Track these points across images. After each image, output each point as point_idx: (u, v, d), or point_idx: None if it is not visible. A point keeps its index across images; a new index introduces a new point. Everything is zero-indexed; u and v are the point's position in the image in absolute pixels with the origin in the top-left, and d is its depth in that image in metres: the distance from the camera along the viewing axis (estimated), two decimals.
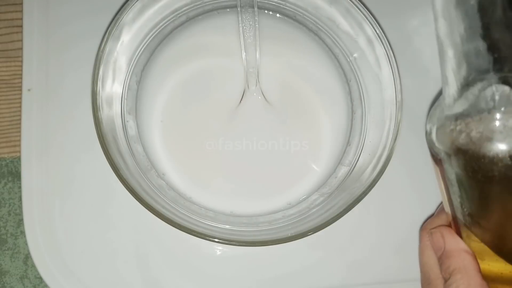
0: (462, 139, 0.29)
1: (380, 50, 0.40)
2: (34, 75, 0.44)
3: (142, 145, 0.42)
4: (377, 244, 0.44)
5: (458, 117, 0.30)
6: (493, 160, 0.28)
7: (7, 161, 0.45)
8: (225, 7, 0.44)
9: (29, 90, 0.44)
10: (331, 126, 0.44)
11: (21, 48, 0.45)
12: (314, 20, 0.44)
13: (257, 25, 0.41)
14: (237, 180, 0.43)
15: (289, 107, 0.44)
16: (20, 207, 0.43)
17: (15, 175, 0.45)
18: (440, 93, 0.36)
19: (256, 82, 0.43)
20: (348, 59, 0.44)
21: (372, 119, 0.42)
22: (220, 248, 0.43)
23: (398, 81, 0.39)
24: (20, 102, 0.44)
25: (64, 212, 0.43)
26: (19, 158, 0.44)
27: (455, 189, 0.31)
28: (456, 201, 0.32)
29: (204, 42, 0.44)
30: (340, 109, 0.44)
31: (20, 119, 0.44)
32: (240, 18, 0.41)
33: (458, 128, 0.30)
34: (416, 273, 0.40)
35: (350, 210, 0.37)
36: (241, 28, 0.41)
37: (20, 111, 0.44)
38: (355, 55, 0.43)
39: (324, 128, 0.44)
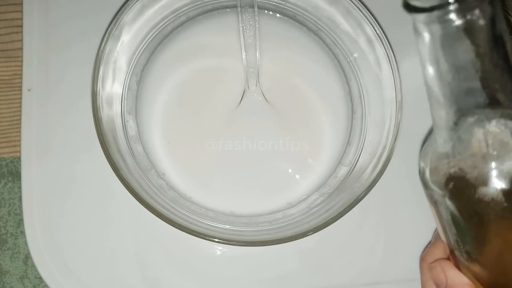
0: (456, 183, 0.29)
1: (380, 50, 0.40)
2: (34, 75, 0.44)
3: (142, 145, 0.42)
4: (377, 244, 0.44)
5: (451, 160, 0.29)
6: (489, 205, 0.27)
7: (7, 161, 0.45)
8: (225, 7, 0.45)
9: (29, 90, 0.44)
10: (331, 126, 0.44)
11: (21, 48, 0.45)
12: (314, 20, 0.44)
13: (257, 25, 0.41)
14: (237, 180, 0.43)
15: (289, 107, 0.44)
16: (20, 207, 0.43)
17: (15, 175, 0.45)
18: None
19: (256, 82, 0.43)
20: (348, 59, 0.44)
21: (372, 119, 0.42)
22: (220, 248, 0.43)
23: (398, 81, 0.39)
24: (20, 102, 0.44)
25: (64, 212, 0.43)
26: (19, 158, 0.44)
27: (451, 228, 0.31)
28: (453, 239, 0.31)
29: (204, 42, 0.45)
30: (340, 109, 0.44)
31: (20, 119, 0.44)
32: (240, 18, 0.41)
33: (452, 171, 0.29)
34: (416, 273, 0.39)
35: (350, 210, 0.37)
36: (241, 28, 0.41)
37: (20, 111, 0.44)
38: (355, 55, 0.43)
39: (324, 128, 0.44)
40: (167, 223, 0.35)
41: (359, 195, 0.37)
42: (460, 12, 0.23)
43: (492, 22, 0.24)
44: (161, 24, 0.42)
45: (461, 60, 0.25)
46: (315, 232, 0.36)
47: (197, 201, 0.42)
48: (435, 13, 0.24)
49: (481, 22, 0.24)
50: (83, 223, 0.43)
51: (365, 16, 0.40)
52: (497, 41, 0.24)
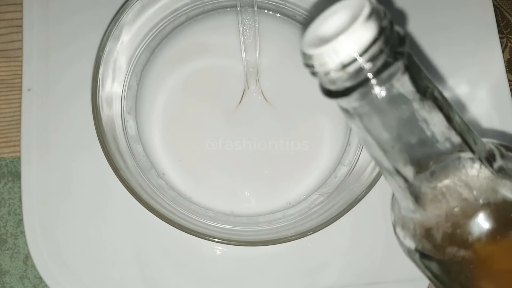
0: (426, 246, 0.28)
1: None
2: (34, 75, 0.44)
3: (142, 145, 0.42)
4: (377, 244, 0.44)
5: (416, 222, 0.28)
6: (462, 265, 0.26)
7: (7, 161, 0.45)
8: (225, 7, 0.45)
9: (29, 90, 0.44)
10: (331, 125, 0.44)
11: (21, 48, 0.45)
12: (313, 19, 0.44)
13: (257, 25, 0.41)
14: (237, 180, 0.43)
15: (289, 107, 0.44)
16: (20, 207, 0.43)
17: (15, 175, 0.45)
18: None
19: (256, 82, 0.43)
20: None
21: None
22: (220, 248, 0.43)
23: None
24: (20, 102, 0.44)
25: (64, 212, 0.43)
26: (19, 158, 0.44)
27: (434, 282, 0.30)
28: None
29: (204, 42, 0.45)
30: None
31: (20, 119, 0.44)
32: (239, 18, 0.41)
33: (418, 232, 0.28)
34: (416, 273, 0.39)
35: (350, 210, 0.37)
36: (241, 28, 0.41)
37: (20, 111, 0.44)
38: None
39: (324, 128, 0.44)
40: (167, 223, 0.35)
41: (359, 195, 0.37)
42: (378, 85, 0.22)
43: (413, 81, 0.23)
44: (161, 24, 0.43)
45: (394, 126, 0.24)
46: (315, 232, 0.36)
47: (197, 201, 0.42)
48: (354, 95, 0.23)
49: (401, 87, 0.23)
50: (83, 223, 0.43)
51: None
52: (424, 94, 0.23)
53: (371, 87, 0.22)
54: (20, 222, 0.44)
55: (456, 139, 0.25)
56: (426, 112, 0.24)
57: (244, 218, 0.42)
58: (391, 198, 0.32)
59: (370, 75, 0.22)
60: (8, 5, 0.46)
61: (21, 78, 0.44)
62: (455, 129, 0.24)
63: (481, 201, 0.25)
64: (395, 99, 0.23)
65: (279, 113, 0.44)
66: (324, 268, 0.44)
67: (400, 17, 0.48)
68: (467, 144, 0.25)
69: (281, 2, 0.44)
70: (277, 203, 0.43)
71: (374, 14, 0.21)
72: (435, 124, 0.24)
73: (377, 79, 0.22)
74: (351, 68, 0.22)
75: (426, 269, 0.29)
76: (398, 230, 0.31)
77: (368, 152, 0.27)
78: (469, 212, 0.25)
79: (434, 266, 0.28)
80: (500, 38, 0.49)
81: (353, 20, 0.21)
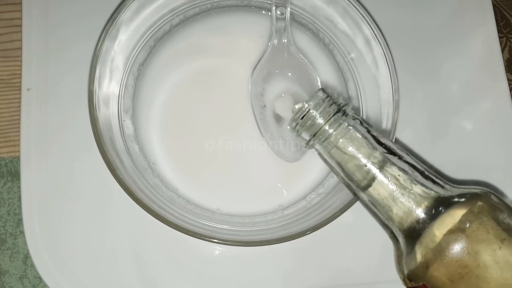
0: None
1: (377, 50, 0.40)
2: (33, 74, 0.44)
3: (139, 144, 0.42)
4: (375, 244, 0.44)
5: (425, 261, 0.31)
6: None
7: (6, 160, 0.45)
8: (223, 7, 0.45)
9: (28, 89, 0.44)
10: None
11: (20, 48, 0.45)
12: (312, 19, 0.44)
13: None
14: (237, 179, 0.43)
15: (288, 107, 0.44)
16: (20, 207, 0.43)
17: (15, 174, 0.45)
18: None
19: (285, 37, 0.43)
20: (346, 59, 0.44)
21: (369, 119, 0.42)
22: (218, 248, 0.43)
23: (395, 81, 0.39)
24: (19, 102, 0.44)
25: (63, 211, 0.43)
26: (18, 158, 0.44)
27: None
28: None
29: (201, 41, 0.45)
30: None
31: (19, 119, 0.44)
32: None
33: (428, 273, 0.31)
34: None
35: (347, 209, 0.37)
36: None
37: (19, 110, 0.44)
38: (352, 55, 0.43)
39: None
40: (164, 223, 0.35)
41: None
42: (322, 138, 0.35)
43: (356, 129, 0.34)
44: (158, 23, 0.43)
45: (342, 163, 0.34)
46: (312, 232, 0.36)
47: (195, 201, 0.42)
48: (315, 142, 0.35)
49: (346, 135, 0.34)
50: (82, 223, 0.43)
51: (363, 16, 0.40)
52: (372, 137, 0.34)
53: (324, 132, 0.35)
54: (19, 222, 0.44)
55: (408, 184, 0.32)
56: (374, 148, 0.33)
57: (242, 218, 0.42)
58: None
59: (321, 121, 0.35)
60: (7, 4, 0.46)
61: (20, 78, 0.44)
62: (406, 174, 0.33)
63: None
64: (339, 138, 0.34)
65: (278, 113, 0.44)
66: (322, 268, 0.44)
67: (400, 17, 0.48)
68: (422, 187, 0.32)
69: (281, 2, 0.44)
70: (275, 203, 0.43)
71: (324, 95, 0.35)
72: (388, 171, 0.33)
73: (327, 127, 0.34)
74: (312, 122, 0.35)
75: None
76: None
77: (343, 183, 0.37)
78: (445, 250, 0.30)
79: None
80: (500, 37, 0.49)
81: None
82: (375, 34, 0.40)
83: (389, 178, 0.32)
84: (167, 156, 0.43)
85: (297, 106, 0.36)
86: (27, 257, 0.44)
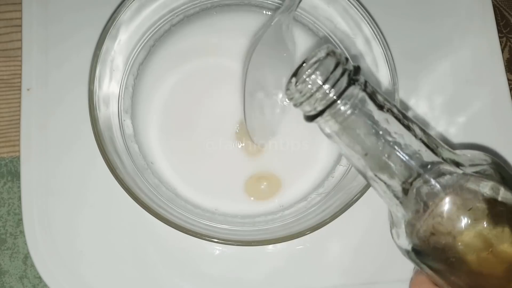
0: (416, 242, 0.31)
1: (377, 49, 0.40)
2: (33, 74, 0.44)
3: (139, 144, 0.42)
4: (375, 243, 0.44)
5: (405, 222, 0.31)
6: (446, 250, 0.30)
7: (6, 160, 0.45)
8: (223, 6, 0.45)
9: (28, 89, 0.44)
10: None
11: (20, 48, 0.45)
12: (312, 19, 0.44)
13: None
14: (236, 179, 0.43)
15: (288, 107, 0.44)
16: (20, 206, 0.43)
17: (14, 174, 0.45)
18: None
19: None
20: None
21: None
22: (219, 247, 0.43)
23: (395, 81, 0.39)
24: (19, 102, 0.44)
25: (63, 211, 0.43)
26: (18, 157, 0.44)
27: (432, 276, 0.33)
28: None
29: (201, 41, 0.45)
30: None
31: (19, 119, 0.44)
32: None
33: (408, 231, 0.31)
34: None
35: (347, 209, 0.37)
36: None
37: (19, 110, 0.44)
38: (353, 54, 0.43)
39: None
40: (164, 223, 0.35)
41: (356, 195, 0.37)
42: (342, 105, 0.29)
43: (371, 99, 0.29)
44: (158, 23, 0.43)
45: (363, 138, 0.30)
46: (312, 232, 0.36)
47: (195, 201, 0.42)
48: (326, 115, 0.29)
49: (361, 105, 0.29)
50: (82, 222, 0.43)
51: (363, 16, 0.40)
52: (382, 109, 0.29)
53: (337, 106, 0.29)
54: (19, 222, 0.44)
55: (418, 145, 0.30)
56: (386, 124, 0.29)
57: (241, 218, 0.42)
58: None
59: (334, 97, 0.28)
60: (7, 4, 0.47)
61: (20, 77, 0.44)
62: (415, 137, 0.30)
63: (449, 196, 0.30)
64: (358, 115, 0.29)
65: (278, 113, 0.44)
66: (322, 267, 0.44)
67: (400, 17, 0.48)
68: (431, 150, 0.30)
69: (279, 2, 0.44)
70: (275, 203, 0.43)
71: (331, 54, 0.29)
72: (398, 134, 0.30)
73: (340, 100, 0.28)
74: (319, 94, 0.29)
75: (423, 264, 0.32)
76: (393, 232, 0.34)
77: (354, 166, 0.33)
78: (441, 207, 0.30)
79: (428, 260, 0.31)
80: (500, 37, 0.49)
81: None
82: (375, 34, 0.40)
83: (403, 151, 0.30)
84: (166, 155, 0.43)
85: (303, 76, 0.29)
86: (27, 257, 0.44)
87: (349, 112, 0.29)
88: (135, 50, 0.42)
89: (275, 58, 0.41)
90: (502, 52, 0.50)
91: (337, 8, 0.41)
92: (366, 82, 0.29)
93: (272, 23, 0.40)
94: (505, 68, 0.48)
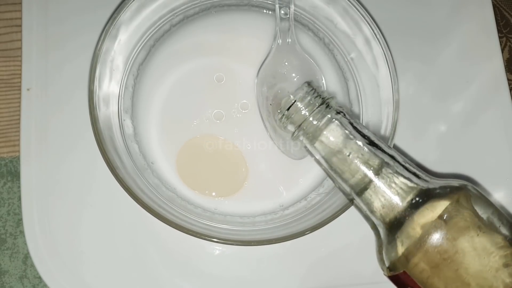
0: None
1: (377, 49, 0.40)
2: (33, 74, 0.44)
3: (139, 144, 0.42)
4: (374, 244, 0.44)
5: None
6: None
7: (6, 160, 0.45)
8: (222, 6, 0.45)
9: (28, 89, 0.44)
10: None
11: (20, 48, 0.45)
12: (312, 19, 0.44)
13: None
14: (236, 179, 0.43)
15: None
16: (19, 206, 0.43)
17: (14, 174, 0.45)
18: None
19: (289, 36, 0.43)
20: (346, 59, 0.44)
21: (370, 119, 0.42)
22: (219, 247, 0.43)
23: (395, 81, 0.39)
24: (19, 102, 0.44)
25: (63, 211, 0.43)
26: (18, 157, 0.44)
27: None
28: None
29: (201, 41, 0.45)
30: None
31: (19, 119, 0.44)
32: None
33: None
34: None
35: (347, 209, 0.37)
36: None
37: (19, 110, 0.44)
38: (352, 55, 0.43)
39: None
40: (164, 222, 0.35)
41: None
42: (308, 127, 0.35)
43: (343, 122, 0.35)
44: (158, 23, 0.43)
45: (330, 155, 0.35)
46: (312, 231, 0.36)
47: (195, 201, 0.42)
48: (299, 133, 0.36)
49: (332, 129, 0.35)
50: (82, 222, 0.43)
51: (363, 16, 0.40)
52: (355, 130, 0.34)
53: (308, 123, 0.35)
54: (19, 222, 0.44)
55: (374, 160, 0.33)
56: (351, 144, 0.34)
57: (241, 218, 0.42)
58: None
59: (306, 113, 0.35)
60: (7, 4, 0.47)
61: (20, 78, 0.44)
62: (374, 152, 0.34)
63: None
64: (325, 131, 0.35)
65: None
66: (322, 267, 0.43)
67: (400, 18, 0.48)
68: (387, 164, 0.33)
69: (280, 2, 0.44)
70: (275, 203, 0.43)
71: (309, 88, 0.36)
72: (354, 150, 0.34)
73: (311, 117, 0.35)
74: (297, 115, 0.36)
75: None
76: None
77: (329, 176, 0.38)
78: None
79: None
80: (500, 37, 0.49)
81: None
82: (375, 34, 0.40)
83: (371, 170, 0.33)
84: (166, 155, 0.43)
85: (283, 100, 0.37)
86: (27, 257, 0.44)
87: (317, 124, 0.35)
88: (135, 50, 0.42)
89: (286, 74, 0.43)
90: (502, 52, 0.50)
91: (337, 8, 0.42)
92: (342, 111, 0.35)
93: (273, 50, 0.43)
94: (505, 68, 0.48)
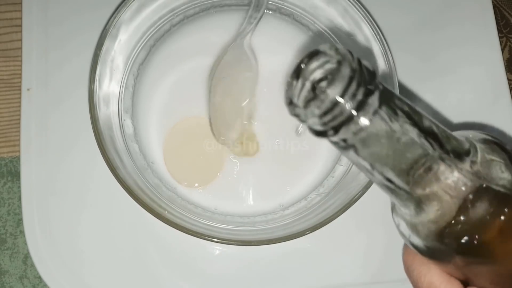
0: (434, 244, 0.29)
1: (377, 49, 0.40)
2: (33, 74, 0.44)
3: (139, 144, 0.42)
4: (376, 243, 0.44)
5: (420, 224, 0.29)
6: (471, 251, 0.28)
7: (6, 160, 0.45)
8: (222, 6, 0.45)
9: (28, 89, 0.44)
10: None
11: (20, 48, 0.45)
12: (312, 19, 0.44)
13: None
14: (236, 179, 0.43)
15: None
16: (20, 206, 0.43)
17: (15, 174, 0.45)
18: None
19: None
20: None
21: None
22: (219, 247, 0.43)
23: (395, 80, 0.39)
24: (19, 102, 0.44)
25: (63, 211, 0.43)
26: (18, 157, 0.44)
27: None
28: None
29: (201, 41, 0.45)
30: None
31: (19, 119, 0.44)
32: None
33: (426, 232, 0.29)
34: None
35: (347, 209, 0.37)
36: None
37: (19, 110, 0.44)
38: None
39: None
40: (165, 222, 0.35)
41: (356, 195, 0.37)
42: (360, 118, 0.24)
43: (388, 108, 0.25)
44: (158, 23, 0.43)
45: (380, 148, 0.26)
46: (312, 231, 0.36)
47: (195, 201, 0.42)
48: (342, 131, 0.25)
49: (380, 115, 0.25)
50: (82, 222, 0.43)
51: (363, 16, 0.40)
52: (396, 114, 0.26)
53: (355, 121, 0.24)
54: (19, 222, 0.44)
55: (430, 147, 0.26)
56: (402, 130, 0.26)
57: (241, 218, 0.42)
58: (391, 202, 0.33)
59: (353, 112, 0.24)
60: (7, 4, 0.47)
61: (20, 78, 0.44)
62: (428, 138, 0.26)
63: (461, 193, 0.27)
64: (376, 126, 0.25)
65: (278, 113, 0.44)
66: (323, 267, 0.44)
67: (400, 18, 0.48)
68: (443, 148, 0.27)
69: (279, 1, 0.44)
70: (275, 203, 0.43)
71: (343, 62, 0.24)
72: (412, 138, 0.26)
73: (358, 114, 0.24)
74: (336, 111, 0.24)
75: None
76: (403, 229, 0.32)
77: (364, 173, 0.29)
78: (453, 207, 0.27)
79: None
80: (500, 37, 0.49)
81: (327, 71, 0.25)
82: (375, 34, 0.40)
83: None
84: (167, 155, 0.43)
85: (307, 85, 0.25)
86: (27, 257, 0.44)
87: (367, 123, 0.24)
88: (135, 50, 0.42)
89: (238, 74, 0.42)
90: (502, 52, 0.50)
91: (337, 8, 0.41)
92: (383, 88, 0.25)
93: (235, 42, 0.41)
94: (505, 68, 0.48)
